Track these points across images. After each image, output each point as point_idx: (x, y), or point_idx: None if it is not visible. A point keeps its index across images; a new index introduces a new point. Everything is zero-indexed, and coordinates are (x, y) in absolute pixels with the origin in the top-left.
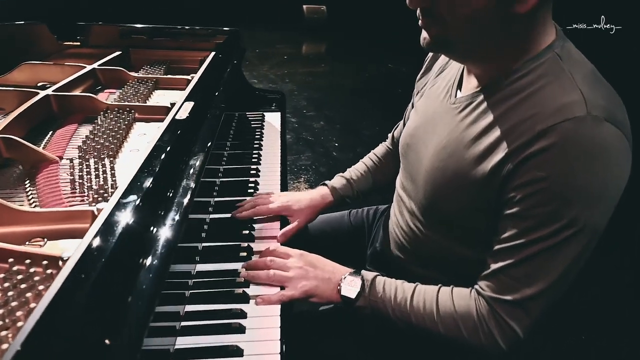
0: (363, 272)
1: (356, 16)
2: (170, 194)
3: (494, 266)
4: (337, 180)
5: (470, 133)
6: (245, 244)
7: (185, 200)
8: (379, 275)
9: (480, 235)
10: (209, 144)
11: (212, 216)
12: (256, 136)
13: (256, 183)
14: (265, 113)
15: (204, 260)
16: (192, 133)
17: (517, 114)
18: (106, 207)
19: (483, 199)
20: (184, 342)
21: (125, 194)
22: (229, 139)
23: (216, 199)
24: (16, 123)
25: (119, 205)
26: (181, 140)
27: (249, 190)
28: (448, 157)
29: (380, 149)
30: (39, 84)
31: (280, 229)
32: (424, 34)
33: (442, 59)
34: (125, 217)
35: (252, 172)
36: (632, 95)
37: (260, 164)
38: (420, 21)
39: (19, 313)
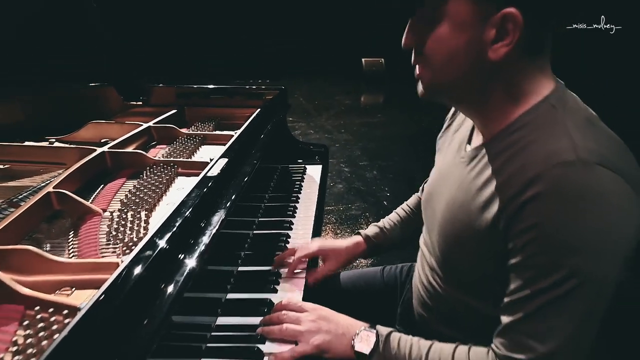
0: (378, 327)
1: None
2: (182, 256)
3: (505, 321)
4: (371, 229)
5: (476, 184)
6: (267, 299)
7: (193, 262)
8: (394, 331)
9: (495, 289)
10: (233, 203)
11: (240, 268)
12: (294, 189)
13: (287, 236)
14: (307, 166)
15: (225, 313)
16: (220, 190)
17: (511, 165)
18: (125, 261)
19: (491, 249)
20: None
21: (143, 249)
22: (269, 192)
23: (246, 252)
24: (71, 177)
25: (135, 260)
26: (207, 198)
27: (279, 244)
28: (458, 208)
29: (413, 199)
30: (102, 140)
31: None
32: (419, 85)
33: (460, 116)
34: (137, 273)
35: (285, 225)
36: (632, 95)
37: (294, 217)
38: (415, 74)
39: None
